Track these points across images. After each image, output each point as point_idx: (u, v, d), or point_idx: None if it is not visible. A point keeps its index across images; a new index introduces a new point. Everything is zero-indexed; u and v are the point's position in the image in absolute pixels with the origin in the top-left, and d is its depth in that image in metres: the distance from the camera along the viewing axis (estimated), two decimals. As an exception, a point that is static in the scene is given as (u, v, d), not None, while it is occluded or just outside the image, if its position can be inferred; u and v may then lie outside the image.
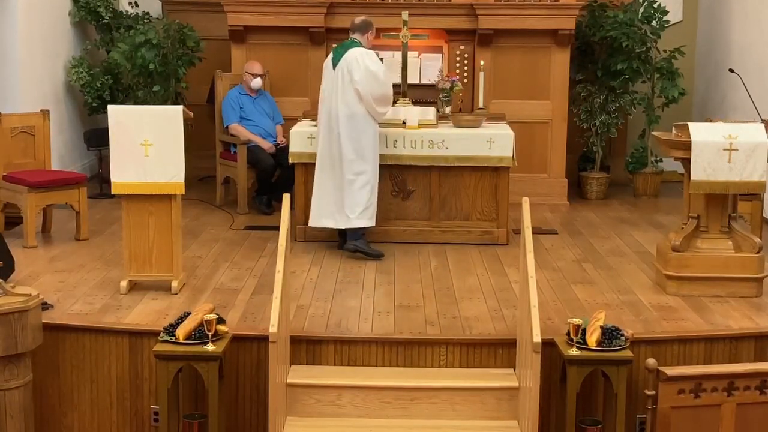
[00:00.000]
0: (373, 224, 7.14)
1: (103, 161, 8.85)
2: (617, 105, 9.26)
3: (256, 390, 5.44)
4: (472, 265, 6.94)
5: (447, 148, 7.47)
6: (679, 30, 10.20)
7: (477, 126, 7.70)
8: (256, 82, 8.63)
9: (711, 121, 7.10)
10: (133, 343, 5.48)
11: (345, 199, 7.03)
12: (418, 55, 8.87)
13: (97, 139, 9.13)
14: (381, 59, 7.48)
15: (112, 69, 9.41)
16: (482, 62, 8.66)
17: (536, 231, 7.14)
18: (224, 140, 8.78)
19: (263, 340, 5.13)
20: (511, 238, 7.57)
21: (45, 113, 7.75)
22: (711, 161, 5.99)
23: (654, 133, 6.70)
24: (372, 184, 7.09)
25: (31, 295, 5.16)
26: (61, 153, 9.04)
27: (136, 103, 8.96)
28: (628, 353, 5.12)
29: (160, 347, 5.12)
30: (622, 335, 5.20)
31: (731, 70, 8.86)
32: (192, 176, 8.60)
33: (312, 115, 8.35)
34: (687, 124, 6.13)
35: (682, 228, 6.31)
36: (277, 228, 5.59)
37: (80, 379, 5.54)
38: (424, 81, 8.75)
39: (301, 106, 8.96)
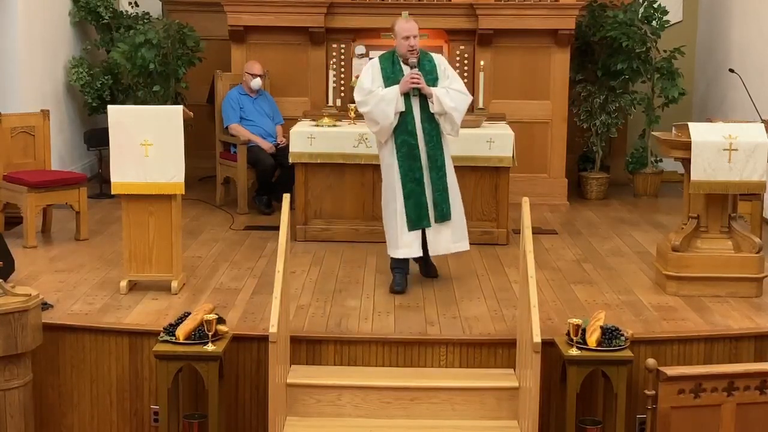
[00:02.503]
0: (393, 255, 6.35)
1: (103, 161, 8.86)
2: (617, 105, 9.26)
3: (256, 390, 5.44)
4: (472, 265, 6.94)
5: (447, 148, 7.48)
6: (679, 30, 10.21)
7: (477, 126, 7.70)
8: (256, 83, 8.63)
9: (711, 121, 7.10)
10: (133, 343, 5.48)
11: None
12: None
13: (97, 139, 9.13)
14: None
15: (112, 69, 9.42)
16: (482, 62, 8.67)
17: (536, 231, 7.15)
18: (224, 140, 8.79)
19: (263, 340, 5.13)
20: (511, 238, 7.57)
21: (45, 113, 7.75)
22: (711, 161, 5.99)
23: (654, 133, 6.71)
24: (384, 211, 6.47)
25: (31, 295, 5.16)
26: (61, 153, 9.04)
27: (136, 103, 8.96)
28: (628, 353, 5.12)
29: (160, 347, 5.12)
30: (622, 335, 5.20)
31: (731, 70, 8.86)
32: (192, 176, 8.60)
33: (312, 115, 8.36)
34: (687, 124, 6.14)
35: (682, 228, 6.31)
36: (277, 228, 5.59)
37: (80, 379, 5.55)
38: (424, 81, 8.73)
39: (301, 106, 8.96)
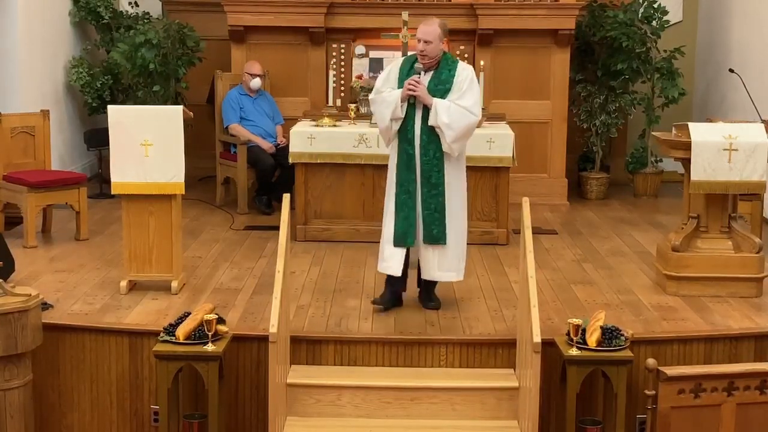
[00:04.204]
0: (378, 269, 6.05)
1: (103, 161, 8.85)
2: (617, 105, 9.26)
3: (256, 390, 5.44)
4: (472, 265, 6.92)
5: (447, 148, 7.47)
6: (679, 30, 10.21)
7: (477, 126, 7.68)
8: (255, 83, 8.63)
9: (711, 121, 7.10)
10: (133, 343, 5.48)
11: None
12: (418, 55, 8.83)
13: (97, 139, 9.13)
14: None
15: (112, 69, 9.42)
16: (482, 62, 8.66)
17: (536, 231, 7.14)
18: (224, 140, 8.79)
19: (263, 340, 5.13)
20: (511, 238, 7.57)
21: (45, 113, 7.75)
22: (711, 161, 5.99)
23: (654, 133, 6.71)
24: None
25: (31, 295, 5.16)
26: (61, 153, 9.04)
27: (136, 103, 8.96)
28: (628, 353, 5.12)
29: (160, 347, 5.12)
30: (622, 335, 5.20)
31: (731, 70, 8.86)
32: (192, 176, 8.60)
33: (312, 115, 8.36)
34: (687, 124, 6.14)
35: (682, 228, 6.31)
36: (277, 228, 5.59)
37: (80, 379, 5.55)
38: (424, 81, 8.71)
39: (301, 106, 8.96)
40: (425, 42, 5.77)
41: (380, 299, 5.99)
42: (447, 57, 5.89)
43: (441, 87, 5.79)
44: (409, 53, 6.14)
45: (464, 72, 5.85)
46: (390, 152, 5.98)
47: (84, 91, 9.35)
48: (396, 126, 5.82)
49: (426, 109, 5.77)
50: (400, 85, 5.82)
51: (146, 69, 8.98)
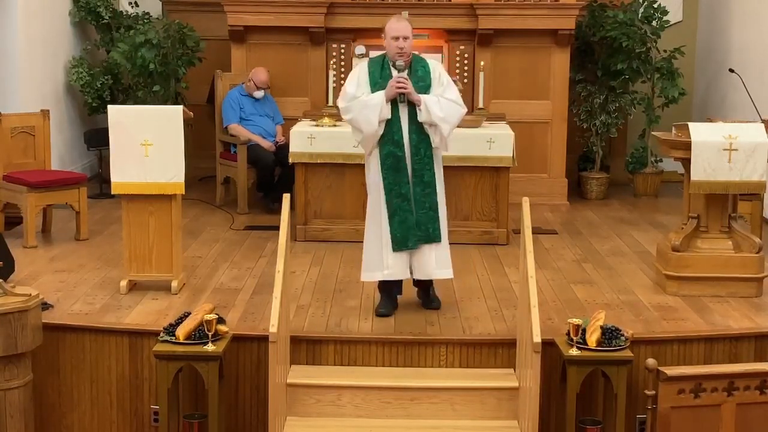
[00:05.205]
0: (370, 279, 5.94)
1: (103, 161, 8.86)
2: (617, 105, 9.27)
3: (256, 390, 5.44)
4: (472, 265, 6.93)
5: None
6: (679, 30, 10.21)
7: (477, 126, 7.70)
8: (259, 94, 8.62)
9: (711, 121, 7.10)
10: (133, 343, 5.48)
11: None
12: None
13: (97, 139, 9.14)
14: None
15: (112, 69, 9.43)
16: (482, 62, 8.67)
17: (536, 231, 7.15)
18: (224, 140, 8.79)
19: (263, 340, 5.13)
20: (511, 238, 7.57)
21: (45, 113, 7.76)
22: (711, 161, 5.99)
23: (654, 133, 6.71)
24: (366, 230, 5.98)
25: (31, 295, 5.16)
26: (61, 153, 9.04)
27: (136, 103, 8.97)
28: (628, 353, 5.12)
29: (160, 347, 5.12)
30: (622, 335, 5.20)
31: (731, 70, 8.86)
32: (192, 176, 8.61)
33: (312, 115, 8.36)
34: (687, 124, 6.14)
35: (682, 228, 6.31)
36: (277, 228, 5.59)
37: (80, 379, 5.55)
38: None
39: (301, 106, 8.96)
40: (404, 38, 5.68)
41: (384, 310, 5.87)
42: (414, 56, 5.82)
43: (421, 84, 5.70)
44: (382, 52, 5.97)
45: (438, 67, 5.84)
46: (368, 163, 5.87)
47: (84, 91, 9.36)
48: (381, 130, 5.69)
49: (412, 109, 5.67)
50: (373, 87, 5.70)
51: (146, 69, 8.99)
